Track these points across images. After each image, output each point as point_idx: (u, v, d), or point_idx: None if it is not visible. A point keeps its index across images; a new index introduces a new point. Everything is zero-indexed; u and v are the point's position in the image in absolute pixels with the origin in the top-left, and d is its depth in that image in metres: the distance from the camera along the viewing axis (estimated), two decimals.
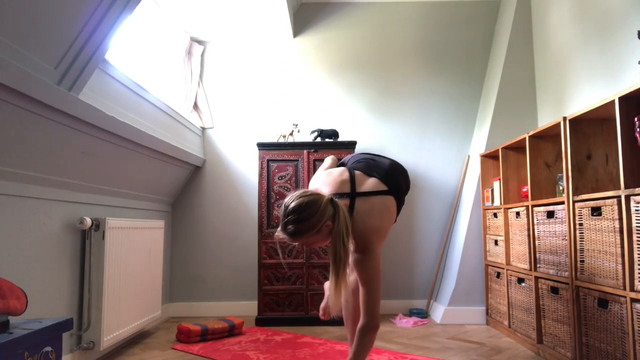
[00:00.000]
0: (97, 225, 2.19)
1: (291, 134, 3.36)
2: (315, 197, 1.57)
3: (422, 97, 3.63)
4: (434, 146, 3.60)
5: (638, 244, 1.65)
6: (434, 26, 3.67)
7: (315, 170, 3.18)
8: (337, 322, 3.01)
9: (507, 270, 2.74)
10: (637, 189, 1.65)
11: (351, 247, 1.67)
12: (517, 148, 2.84)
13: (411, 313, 3.31)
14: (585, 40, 2.58)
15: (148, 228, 2.68)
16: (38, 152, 1.78)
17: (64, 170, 1.99)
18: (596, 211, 1.89)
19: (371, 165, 1.82)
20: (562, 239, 2.15)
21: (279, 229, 1.59)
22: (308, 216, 1.53)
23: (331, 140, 3.30)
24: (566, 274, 2.11)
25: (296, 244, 1.71)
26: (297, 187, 3.17)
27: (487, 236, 3.07)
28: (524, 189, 2.72)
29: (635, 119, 1.70)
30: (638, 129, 1.69)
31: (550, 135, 2.47)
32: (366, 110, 3.63)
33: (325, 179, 1.78)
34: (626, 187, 1.71)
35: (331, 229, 1.57)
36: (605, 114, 1.94)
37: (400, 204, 1.83)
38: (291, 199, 1.57)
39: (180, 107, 3.43)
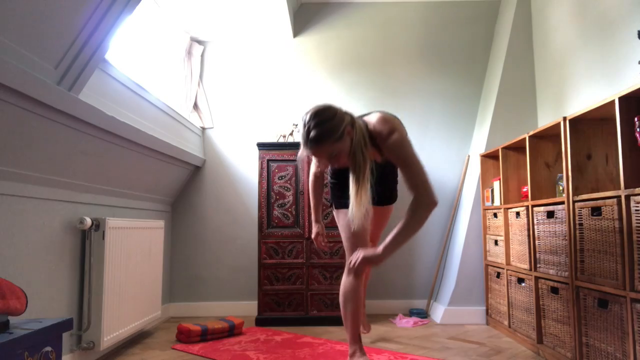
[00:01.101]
0: (97, 225, 2.19)
1: (291, 134, 3.36)
2: (331, 104, 1.65)
3: (422, 97, 3.63)
4: (434, 146, 3.59)
5: (638, 244, 1.65)
6: (434, 26, 3.67)
7: None
8: (337, 321, 3.01)
9: (507, 270, 2.74)
10: (637, 189, 1.65)
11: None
12: (517, 148, 2.84)
13: (411, 313, 3.31)
14: (585, 40, 2.58)
15: (148, 228, 2.68)
16: (38, 152, 1.78)
17: (64, 170, 1.99)
18: (596, 211, 1.89)
19: None
20: (562, 239, 2.15)
21: (302, 145, 1.64)
22: (329, 117, 1.58)
23: None
24: (566, 274, 2.11)
25: (319, 164, 1.83)
26: (297, 187, 3.17)
27: (487, 236, 3.07)
28: (524, 189, 2.72)
29: (635, 119, 1.70)
30: (638, 129, 1.69)
31: (550, 135, 2.47)
32: (366, 110, 3.62)
33: None
34: (626, 187, 1.71)
35: (352, 137, 1.62)
36: (605, 114, 1.94)
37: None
38: (307, 111, 1.65)
39: (180, 107, 3.43)
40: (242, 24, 3.41)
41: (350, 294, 2.04)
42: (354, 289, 2.03)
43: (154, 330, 2.98)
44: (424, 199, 1.67)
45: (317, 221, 2.31)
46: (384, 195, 2.28)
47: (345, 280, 2.07)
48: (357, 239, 2.03)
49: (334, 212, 2.18)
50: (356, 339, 2.06)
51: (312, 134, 1.57)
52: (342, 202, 2.07)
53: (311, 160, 2.08)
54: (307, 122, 1.59)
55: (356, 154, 1.64)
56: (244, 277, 3.51)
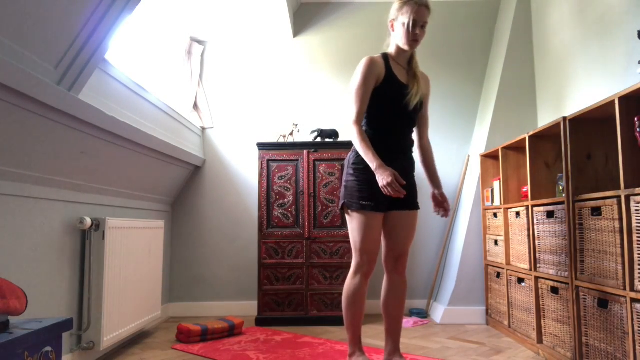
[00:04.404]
0: (97, 225, 2.19)
1: (291, 134, 3.36)
2: None
3: None
4: (434, 146, 3.57)
5: (638, 244, 1.65)
6: (434, 26, 3.67)
7: (315, 170, 3.18)
8: (337, 321, 3.01)
9: (507, 270, 2.74)
10: (637, 189, 1.65)
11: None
12: (517, 148, 2.84)
13: (411, 313, 3.31)
14: (585, 40, 2.58)
15: (148, 228, 2.68)
16: (38, 152, 1.78)
17: (64, 170, 1.99)
18: (596, 211, 1.89)
19: None
20: (562, 239, 2.15)
21: (412, 1, 1.98)
22: None
23: (331, 140, 3.30)
24: (566, 274, 2.11)
25: (411, 30, 1.98)
26: (297, 187, 3.17)
27: (487, 236, 3.07)
28: (524, 189, 2.72)
29: (635, 119, 1.70)
30: (638, 129, 1.69)
31: (550, 135, 2.47)
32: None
33: None
34: (626, 187, 1.71)
35: None
36: (605, 114, 1.94)
37: None
38: None
39: (180, 107, 3.43)
40: (242, 24, 3.41)
41: (353, 297, 2.00)
42: (359, 292, 1.99)
43: (154, 330, 2.98)
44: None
45: (384, 165, 1.86)
46: (411, 193, 2.04)
47: (350, 282, 2.02)
48: (375, 243, 1.98)
49: (352, 213, 1.98)
50: (356, 341, 2.04)
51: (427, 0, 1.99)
52: (364, 204, 1.93)
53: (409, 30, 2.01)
54: None
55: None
56: (244, 277, 3.52)
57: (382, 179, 1.82)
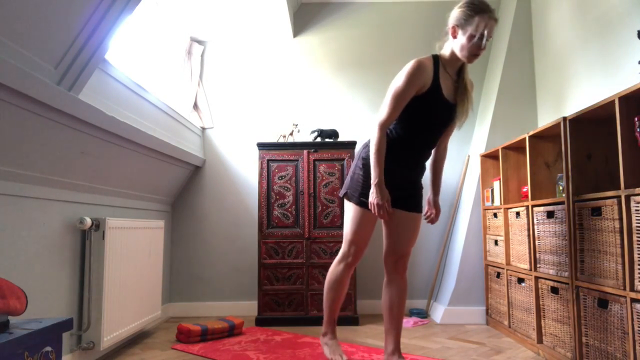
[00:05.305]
0: (97, 225, 2.19)
1: (291, 134, 3.36)
2: None
3: None
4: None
5: (638, 244, 1.65)
6: (434, 26, 3.64)
7: (315, 170, 3.18)
8: (338, 321, 3.01)
9: (507, 270, 2.74)
10: (637, 189, 1.65)
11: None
12: (517, 148, 2.85)
13: (411, 313, 3.31)
14: (585, 40, 2.58)
15: (148, 228, 2.68)
16: (38, 152, 1.78)
17: (64, 170, 1.99)
18: (596, 211, 1.89)
19: None
20: (562, 239, 2.15)
21: (480, 15, 1.78)
22: None
23: (331, 140, 3.30)
24: (566, 274, 2.11)
25: (475, 42, 1.81)
26: (297, 187, 3.17)
27: (487, 236, 3.07)
28: (524, 189, 2.72)
29: (635, 119, 1.70)
30: (638, 129, 1.69)
31: (550, 135, 2.47)
32: (366, 110, 3.63)
33: None
34: (626, 187, 1.71)
35: None
36: (605, 114, 1.94)
37: None
38: None
39: (180, 107, 3.43)
40: (242, 24, 3.41)
41: (334, 284, 2.16)
42: (341, 279, 2.15)
43: (154, 330, 2.98)
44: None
45: (382, 186, 1.87)
46: (416, 197, 2.08)
47: (334, 268, 2.17)
48: (364, 238, 2.07)
49: (350, 204, 2.04)
50: (331, 322, 2.20)
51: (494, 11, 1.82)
52: (363, 200, 1.98)
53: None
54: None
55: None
56: (244, 277, 3.52)
57: (375, 197, 1.87)
